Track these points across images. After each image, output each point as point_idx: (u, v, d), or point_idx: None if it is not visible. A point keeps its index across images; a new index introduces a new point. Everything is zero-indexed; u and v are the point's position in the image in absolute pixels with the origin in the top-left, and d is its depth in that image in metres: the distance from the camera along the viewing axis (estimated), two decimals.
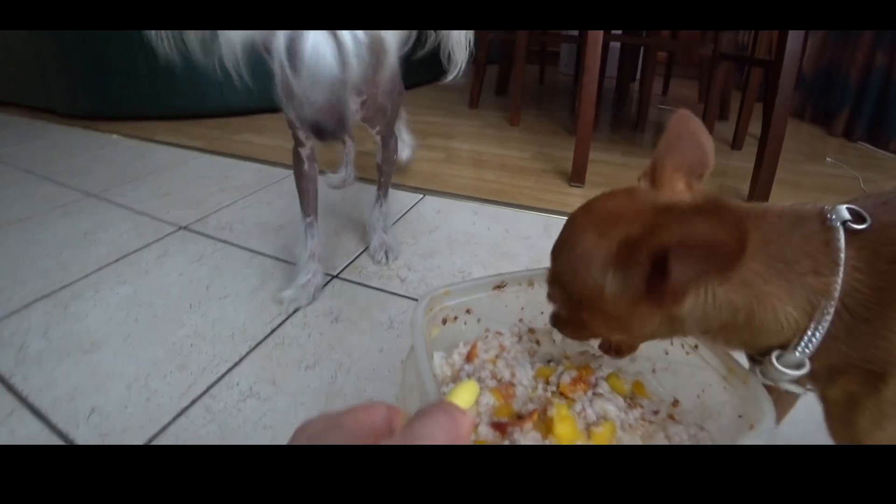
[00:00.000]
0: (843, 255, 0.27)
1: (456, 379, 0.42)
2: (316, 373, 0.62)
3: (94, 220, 1.08)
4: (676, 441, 0.36)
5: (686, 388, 0.40)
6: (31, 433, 0.55)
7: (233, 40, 0.53)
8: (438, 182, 1.26)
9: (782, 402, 0.42)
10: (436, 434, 0.24)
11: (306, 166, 0.77)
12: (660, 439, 0.36)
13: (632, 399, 0.40)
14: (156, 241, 0.97)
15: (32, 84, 2.24)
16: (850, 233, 0.28)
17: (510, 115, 1.82)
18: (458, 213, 1.07)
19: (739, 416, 0.34)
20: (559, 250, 0.34)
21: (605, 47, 2.51)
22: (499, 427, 0.36)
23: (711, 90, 1.60)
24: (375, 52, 0.58)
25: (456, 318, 0.46)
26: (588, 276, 0.31)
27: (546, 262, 0.36)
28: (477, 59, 2.03)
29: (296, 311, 0.74)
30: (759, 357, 0.32)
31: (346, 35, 0.48)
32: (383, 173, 0.89)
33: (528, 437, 0.35)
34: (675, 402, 0.40)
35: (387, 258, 0.88)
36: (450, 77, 0.95)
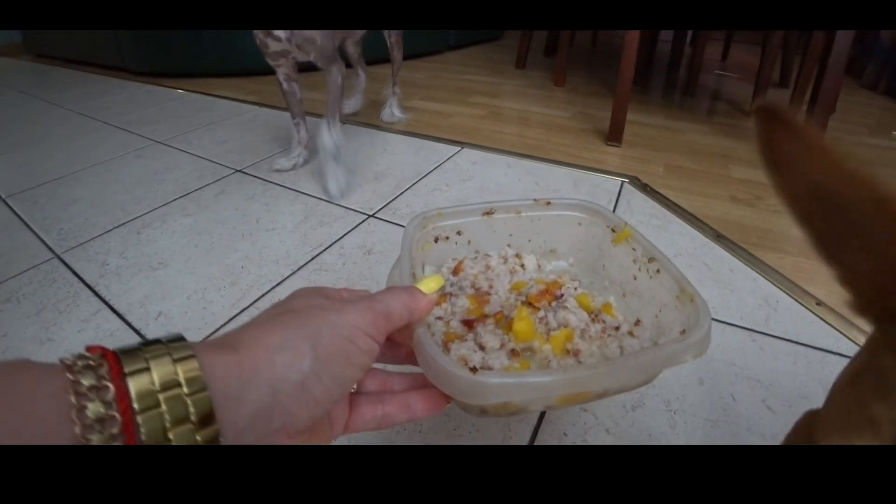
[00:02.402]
0: None
1: (442, 288, 0.45)
2: None
3: (162, 162, 1.20)
4: (627, 351, 0.39)
5: (647, 309, 0.42)
6: (112, 328, 0.65)
7: None
8: (477, 136, 1.29)
9: None
10: (392, 303, 0.29)
11: (285, 86, 1.04)
12: (613, 349, 0.39)
13: (596, 316, 0.42)
14: (215, 181, 1.07)
15: (108, 45, 2.41)
16: None
17: (555, 76, 1.81)
18: (492, 166, 1.11)
19: (682, 332, 0.36)
20: None
21: None
22: (467, 323, 0.41)
23: (766, 54, 1.53)
24: None
25: (448, 237, 0.49)
26: None
27: None
28: None
29: (333, 243, 0.82)
30: None
31: None
32: (329, 96, 0.98)
33: (488, 330, 0.39)
34: (637, 322, 0.42)
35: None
36: None
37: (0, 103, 1.99)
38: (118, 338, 0.64)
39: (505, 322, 0.40)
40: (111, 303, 0.70)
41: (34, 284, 0.76)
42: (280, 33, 0.89)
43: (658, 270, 0.41)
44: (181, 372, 0.21)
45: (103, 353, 0.21)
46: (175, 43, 2.11)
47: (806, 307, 0.68)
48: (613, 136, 1.25)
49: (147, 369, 0.21)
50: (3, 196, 1.08)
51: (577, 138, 1.30)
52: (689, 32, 2.25)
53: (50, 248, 0.85)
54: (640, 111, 1.52)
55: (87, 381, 0.19)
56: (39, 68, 2.84)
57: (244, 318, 0.66)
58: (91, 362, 0.20)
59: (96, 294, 0.72)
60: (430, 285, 0.33)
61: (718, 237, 0.86)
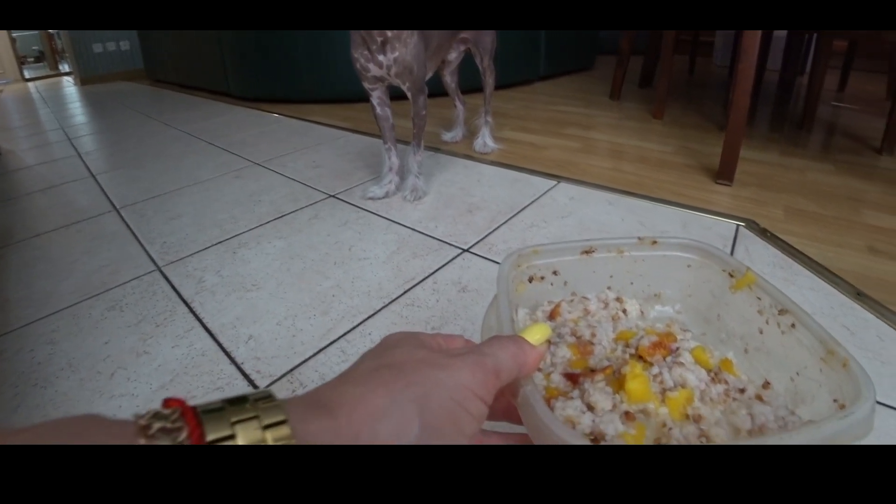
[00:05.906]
0: None
1: (549, 339, 0.43)
2: None
3: (259, 184, 1.23)
4: (760, 421, 0.33)
5: (779, 370, 0.37)
6: (204, 347, 0.64)
7: None
8: (573, 170, 1.23)
9: None
10: (502, 357, 0.26)
11: (378, 110, 1.06)
12: (742, 416, 0.33)
13: (716, 375, 0.37)
14: (308, 205, 1.08)
15: (215, 73, 2.61)
16: None
17: (654, 107, 1.71)
18: (591, 202, 1.04)
19: (834, 401, 0.31)
20: None
21: (769, 35, 2.24)
22: (571, 377, 0.36)
23: None
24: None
25: (543, 277, 0.46)
26: None
27: None
28: (620, 49, 1.95)
29: (426, 277, 0.78)
30: None
31: None
32: (415, 125, 1.07)
33: (597, 387, 0.34)
34: (766, 384, 0.37)
35: (414, 197, 1.06)
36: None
37: (123, 122, 2.19)
38: (209, 358, 0.63)
39: (615, 378, 0.35)
40: (205, 321, 0.70)
41: (136, 295, 0.78)
42: (382, 59, 0.95)
43: (793, 325, 0.36)
44: (271, 440, 0.18)
45: (183, 411, 0.18)
46: (274, 70, 2.24)
47: None
48: (724, 173, 1.15)
49: (232, 436, 0.18)
50: (118, 206, 1.15)
51: (681, 175, 1.20)
52: (808, 61, 2.07)
53: (153, 261, 0.88)
54: (750, 147, 1.39)
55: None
56: (157, 92, 3.13)
57: (333, 351, 0.63)
58: (168, 424, 0.17)
59: (192, 311, 0.73)
60: (536, 335, 0.30)
61: (859, 295, 0.74)
